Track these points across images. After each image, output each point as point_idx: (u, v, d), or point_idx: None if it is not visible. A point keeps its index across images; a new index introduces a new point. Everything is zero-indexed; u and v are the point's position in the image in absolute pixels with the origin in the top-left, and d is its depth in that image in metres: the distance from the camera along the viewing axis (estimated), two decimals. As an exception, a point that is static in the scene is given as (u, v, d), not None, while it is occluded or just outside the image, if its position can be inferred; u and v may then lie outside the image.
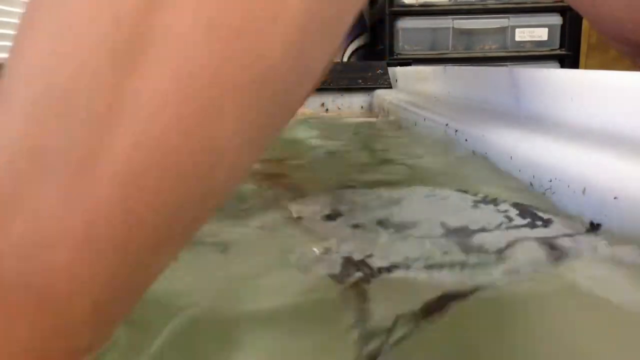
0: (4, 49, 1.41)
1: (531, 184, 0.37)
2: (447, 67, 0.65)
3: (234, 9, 0.12)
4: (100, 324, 0.14)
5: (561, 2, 1.61)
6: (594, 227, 0.27)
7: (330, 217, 0.30)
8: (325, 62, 0.15)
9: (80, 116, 0.12)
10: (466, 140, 0.52)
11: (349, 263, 0.23)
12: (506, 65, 1.61)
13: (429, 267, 0.23)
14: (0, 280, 0.12)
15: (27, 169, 0.12)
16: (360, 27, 1.80)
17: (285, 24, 0.13)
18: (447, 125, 0.58)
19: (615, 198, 0.28)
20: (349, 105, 1.06)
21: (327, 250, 0.24)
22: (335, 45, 0.16)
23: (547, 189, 0.35)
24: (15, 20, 1.47)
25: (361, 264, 0.23)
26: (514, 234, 0.26)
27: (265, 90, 0.14)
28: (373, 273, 0.22)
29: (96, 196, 0.12)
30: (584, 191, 0.31)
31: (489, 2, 1.64)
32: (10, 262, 0.12)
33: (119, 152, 0.12)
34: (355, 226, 0.28)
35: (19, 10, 1.49)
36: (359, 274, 0.22)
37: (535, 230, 0.27)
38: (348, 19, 0.15)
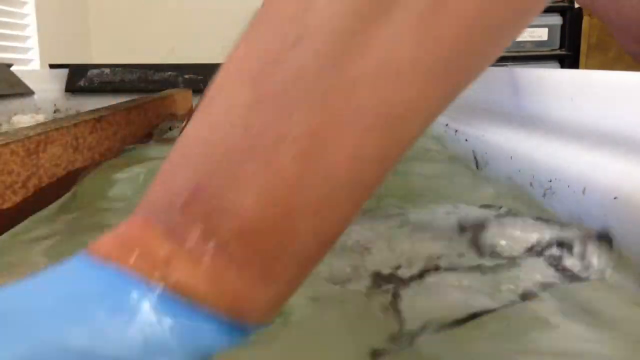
0: (4, 49, 1.41)
1: (531, 184, 0.37)
2: (447, 67, 0.65)
3: None
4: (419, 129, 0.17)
5: (561, 2, 1.61)
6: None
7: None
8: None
9: None
10: (466, 140, 0.52)
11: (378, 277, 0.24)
12: (506, 65, 1.60)
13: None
14: (355, 105, 0.15)
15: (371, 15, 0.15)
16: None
17: None
18: (447, 125, 0.58)
19: (615, 198, 0.28)
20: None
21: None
22: None
23: (547, 189, 0.35)
24: (15, 21, 1.47)
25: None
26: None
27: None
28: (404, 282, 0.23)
29: (439, 34, 0.15)
30: (584, 191, 0.31)
31: (489, 2, 1.64)
32: (364, 92, 0.15)
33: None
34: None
35: (19, 10, 1.48)
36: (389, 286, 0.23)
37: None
38: None
